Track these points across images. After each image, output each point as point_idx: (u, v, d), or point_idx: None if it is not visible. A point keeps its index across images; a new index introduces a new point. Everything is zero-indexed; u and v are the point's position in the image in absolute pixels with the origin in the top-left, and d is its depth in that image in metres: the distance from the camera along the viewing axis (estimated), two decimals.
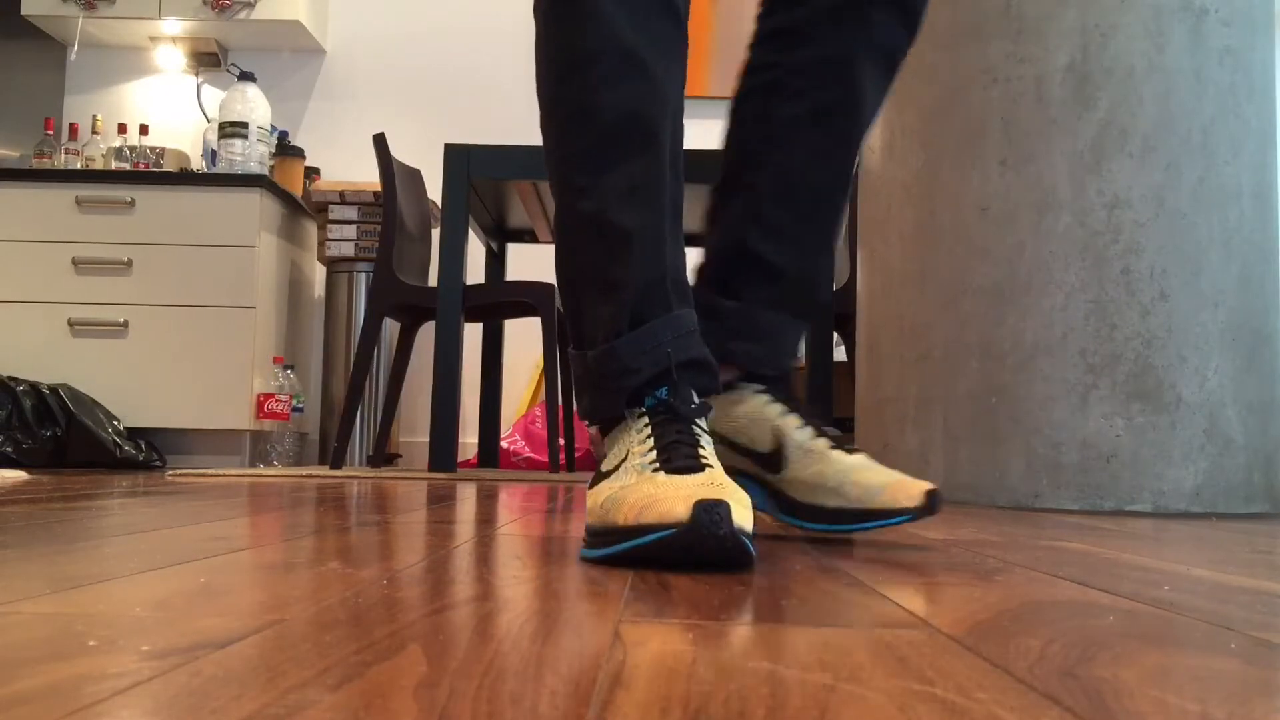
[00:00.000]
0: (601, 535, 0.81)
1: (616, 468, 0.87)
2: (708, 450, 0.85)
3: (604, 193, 0.93)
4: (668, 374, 0.89)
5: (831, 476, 1.00)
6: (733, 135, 1.12)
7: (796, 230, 1.09)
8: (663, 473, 0.81)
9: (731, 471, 1.07)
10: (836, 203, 1.10)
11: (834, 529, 1.00)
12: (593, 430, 0.98)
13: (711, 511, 0.73)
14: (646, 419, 0.88)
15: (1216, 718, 0.36)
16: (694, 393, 0.90)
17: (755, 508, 1.03)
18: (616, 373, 0.90)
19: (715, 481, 0.78)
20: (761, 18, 1.11)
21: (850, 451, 1.03)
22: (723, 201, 1.12)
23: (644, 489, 0.79)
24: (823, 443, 1.02)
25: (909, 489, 0.97)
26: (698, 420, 0.89)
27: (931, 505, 0.97)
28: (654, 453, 0.84)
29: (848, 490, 0.99)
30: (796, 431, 1.03)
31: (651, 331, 0.91)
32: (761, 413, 1.05)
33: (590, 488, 0.89)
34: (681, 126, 0.98)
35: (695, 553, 0.74)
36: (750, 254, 1.09)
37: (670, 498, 0.75)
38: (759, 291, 1.08)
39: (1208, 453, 1.85)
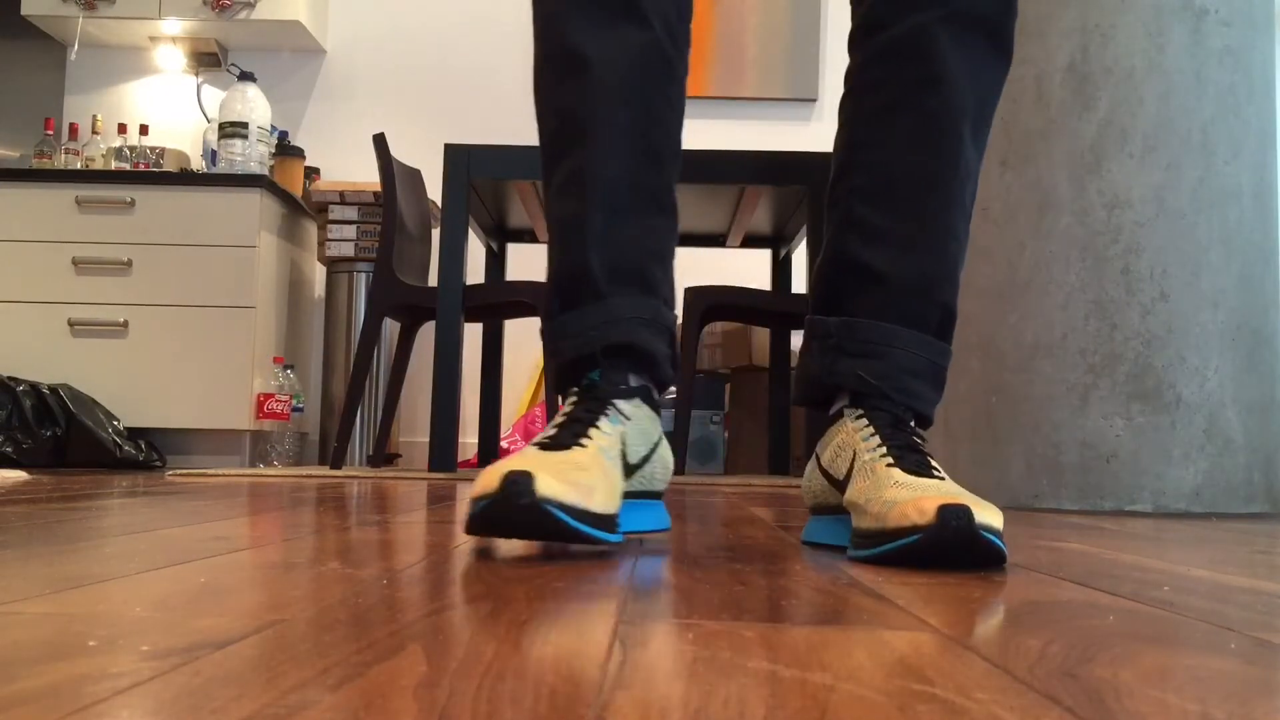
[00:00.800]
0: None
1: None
2: (594, 432, 0.89)
3: (551, 186, 1.00)
4: (593, 358, 0.94)
5: (866, 492, 0.88)
6: (835, 145, 1.06)
7: (898, 229, 0.98)
8: (534, 447, 0.87)
9: (823, 508, 0.99)
10: (944, 192, 0.98)
11: (859, 554, 0.86)
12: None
13: (517, 483, 0.77)
14: (574, 398, 0.94)
15: (1216, 718, 0.36)
16: (630, 376, 0.95)
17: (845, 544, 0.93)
18: (550, 351, 0.97)
19: (580, 463, 0.83)
20: (853, 23, 1.06)
21: (920, 471, 0.87)
22: (827, 213, 1.05)
23: (498, 463, 0.84)
24: (884, 459, 0.89)
25: (924, 504, 0.80)
26: (615, 400, 0.92)
27: (945, 522, 0.78)
28: (555, 430, 0.89)
29: (873, 507, 0.85)
30: (867, 452, 0.91)
31: (577, 316, 0.96)
32: (850, 439, 0.94)
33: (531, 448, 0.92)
34: (658, 119, 0.99)
35: (497, 523, 0.79)
36: (849, 262, 1.00)
37: (492, 470, 0.80)
38: (862, 301, 0.99)
39: (1208, 453, 1.85)
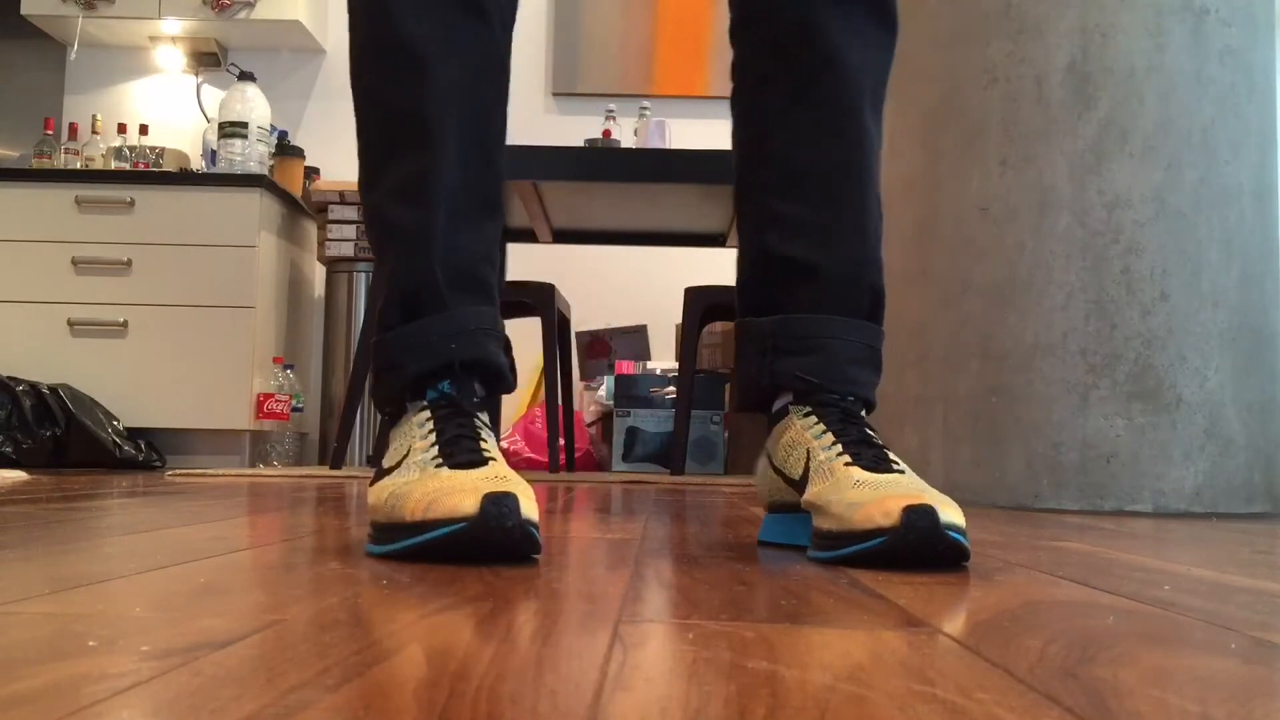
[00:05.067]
0: (388, 531, 0.81)
1: (399, 463, 0.86)
2: (490, 444, 0.86)
3: (381, 188, 0.95)
4: (449, 369, 0.89)
5: (826, 493, 0.86)
6: (733, 142, 1.06)
7: (817, 219, 0.98)
8: (446, 468, 0.81)
9: (780, 506, 0.98)
10: (856, 176, 0.98)
11: (821, 556, 0.84)
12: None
13: (500, 504, 0.74)
14: (428, 412, 0.88)
15: (1216, 718, 0.36)
16: (478, 388, 0.91)
17: (805, 544, 0.91)
18: (387, 365, 0.92)
19: (500, 475, 0.79)
20: (732, 16, 1.05)
21: (878, 466, 0.86)
22: (739, 213, 1.05)
23: (429, 484, 0.79)
24: (841, 458, 0.88)
25: (883, 507, 0.79)
26: (479, 414, 0.89)
27: (911, 523, 0.77)
28: (436, 448, 0.84)
29: (835, 509, 0.83)
30: (823, 450, 0.90)
31: (421, 328, 0.91)
32: (801, 436, 0.93)
33: (371, 484, 0.88)
34: (493, 119, 0.97)
35: (484, 545, 0.75)
36: (774, 259, 0.99)
37: (457, 491, 0.76)
38: (794, 296, 0.98)
39: (1208, 453, 1.85)
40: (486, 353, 0.92)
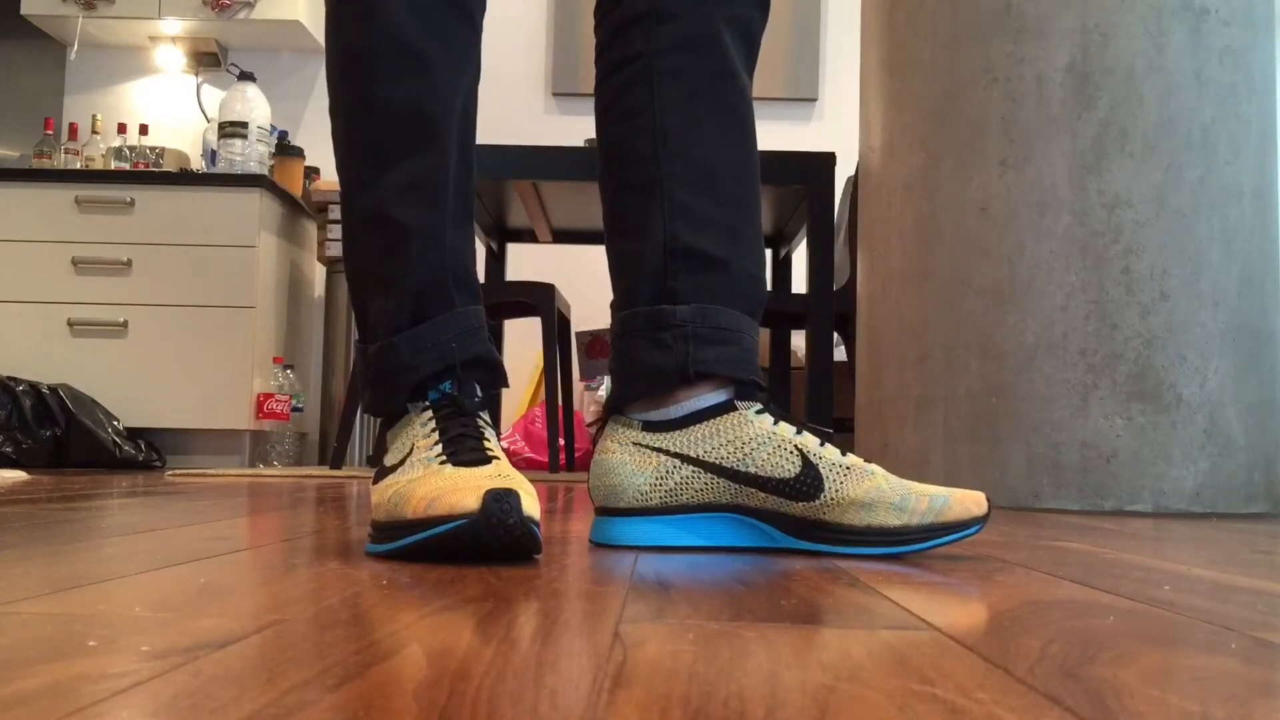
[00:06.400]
0: (389, 529, 0.81)
1: (401, 462, 0.87)
2: (492, 443, 0.86)
3: (384, 188, 0.94)
4: (451, 369, 0.90)
5: (891, 492, 0.89)
6: (614, 133, 1.03)
7: (724, 217, 0.99)
8: (449, 465, 0.82)
9: (737, 509, 0.93)
10: (754, 182, 1.01)
11: (903, 550, 0.89)
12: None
13: (502, 501, 0.74)
14: (430, 413, 0.89)
15: (1217, 718, 0.36)
16: (478, 387, 0.91)
17: (770, 545, 0.93)
18: (395, 369, 0.91)
19: (502, 473, 0.80)
20: (608, 12, 1.03)
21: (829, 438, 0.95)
22: (634, 204, 1.01)
23: (432, 481, 0.79)
24: (857, 459, 0.92)
25: (973, 498, 0.91)
26: (481, 414, 0.89)
27: (990, 512, 1.00)
28: (439, 446, 0.85)
29: (913, 504, 0.89)
30: (824, 450, 0.91)
31: (432, 329, 0.91)
32: (773, 434, 0.92)
33: (374, 483, 0.88)
34: (473, 119, 0.99)
35: (486, 542, 0.75)
36: (686, 250, 0.98)
37: (460, 489, 0.76)
38: (710, 288, 0.97)
39: (1208, 453, 1.85)
40: (485, 349, 0.94)
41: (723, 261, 0.97)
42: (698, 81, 1.00)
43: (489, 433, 0.88)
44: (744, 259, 0.99)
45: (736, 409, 0.94)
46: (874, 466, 0.91)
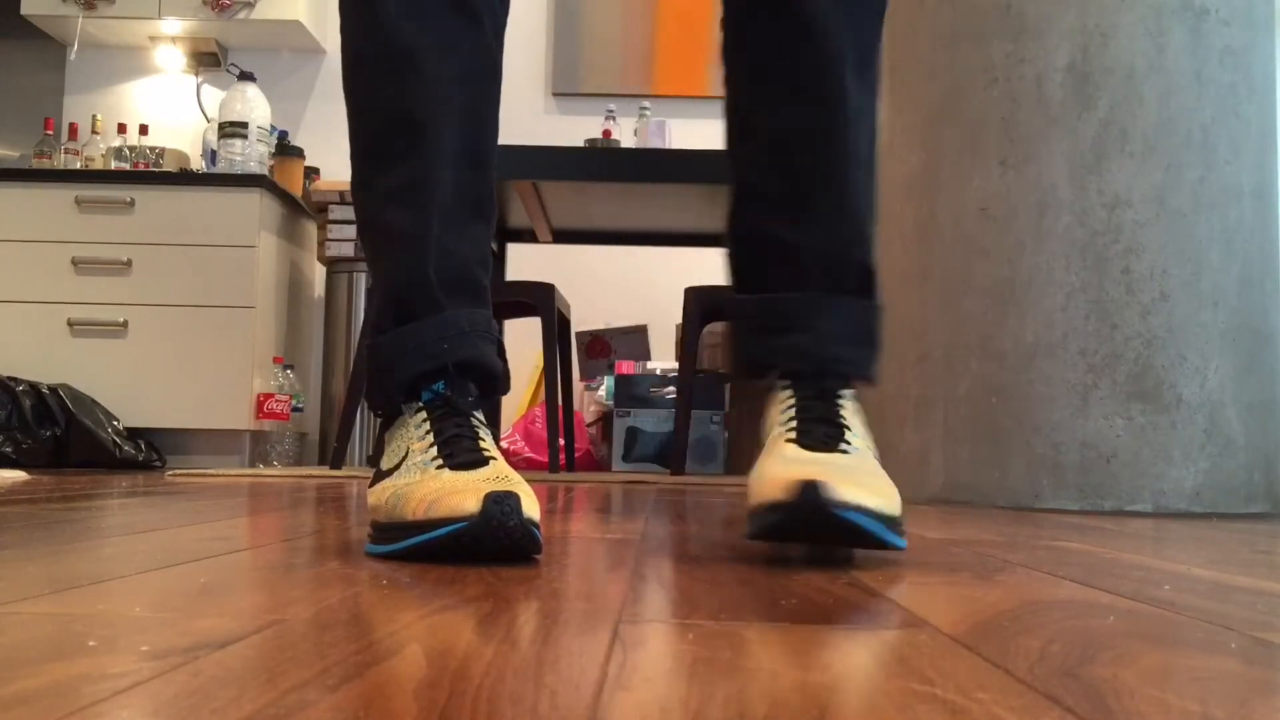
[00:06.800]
0: (389, 531, 0.81)
1: (398, 465, 0.86)
2: (488, 442, 0.86)
3: (376, 190, 0.95)
4: (443, 370, 0.89)
5: (757, 466, 0.85)
6: (725, 105, 1.02)
7: (797, 193, 0.95)
8: (447, 470, 0.81)
9: None
10: (837, 146, 0.95)
11: (750, 531, 0.83)
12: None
13: (502, 503, 0.74)
14: (424, 414, 0.88)
15: (1217, 718, 0.36)
16: (473, 386, 0.90)
17: None
18: (380, 369, 0.91)
19: (501, 474, 0.79)
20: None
21: (825, 445, 0.85)
22: (731, 190, 1.01)
23: (431, 484, 0.79)
24: (787, 433, 0.87)
25: (783, 480, 0.78)
26: (475, 413, 0.88)
27: (807, 497, 0.76)
28: (434, 448, 0.84)
29: (751, 485, 0.85)
30: (777, 427, 0.89)
31: (415, 331, 0.90)
32: (772, 415, 0.91)
33: (371, 485, 0.88)
34: (484, 121, 0.97)
35: (486, 545, 0.75)
36: (757, 236, 0.96)
37: (460, 491, 0.76)
38: (778, 274, 0.95)
39: (1208, 453, 1.85)
40: (480, 354, 0.91)
41: (792, 246, 0.96)
42: (767, 49, 0.95)
43: (484, 432, 0.87)
44: (818, 236, 0.95)
45: (773, 389, 0.95)
46: (791, 446, 0.86)
